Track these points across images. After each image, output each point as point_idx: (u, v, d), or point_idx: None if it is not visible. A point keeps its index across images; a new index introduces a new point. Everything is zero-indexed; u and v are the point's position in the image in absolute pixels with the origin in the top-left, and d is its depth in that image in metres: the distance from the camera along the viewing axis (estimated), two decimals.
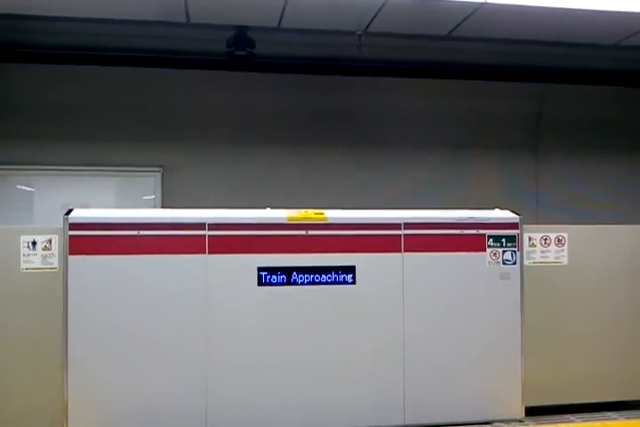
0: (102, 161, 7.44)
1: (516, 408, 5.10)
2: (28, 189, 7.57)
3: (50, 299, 4.64)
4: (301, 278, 4.87)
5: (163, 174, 7.58)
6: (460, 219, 5.15)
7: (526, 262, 5.30)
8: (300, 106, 7.84)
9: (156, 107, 7.54)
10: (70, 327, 4.57)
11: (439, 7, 5.95)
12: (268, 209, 5.08)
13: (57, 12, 6.11)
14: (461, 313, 5.08)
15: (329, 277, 4.91)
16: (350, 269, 4.94)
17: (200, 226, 4.79)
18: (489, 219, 5.20)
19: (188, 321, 4.73)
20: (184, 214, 4.88)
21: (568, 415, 5.28)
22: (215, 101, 7.62)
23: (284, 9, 6.03)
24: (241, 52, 6.78)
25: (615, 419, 5.20)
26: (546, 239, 5.42)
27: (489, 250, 5.16)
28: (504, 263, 5.17)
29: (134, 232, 4.71)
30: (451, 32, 6.67)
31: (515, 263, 5.18)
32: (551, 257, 5.44)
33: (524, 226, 5.26)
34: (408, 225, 5.05)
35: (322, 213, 5.01)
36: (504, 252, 5.17)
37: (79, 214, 4.73)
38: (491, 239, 5.17)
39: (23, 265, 4.70)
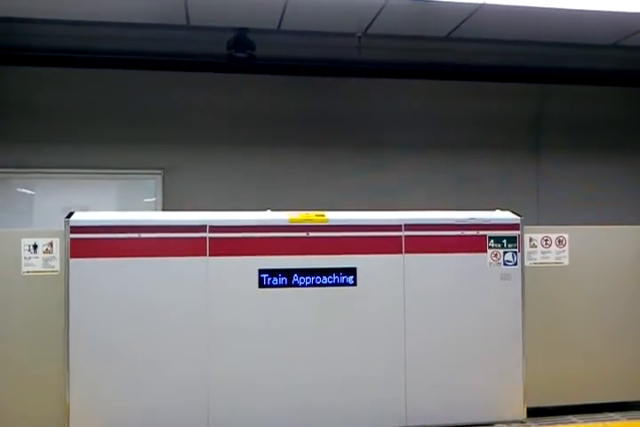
0: (102, 164, 7.44)
1: (517, 409, 5.10)
2: (29, 191, 7.58)
3: (51, 302, 4.64)
4: (302, 280, 4.87)
5: (163, 177, 7.58)
6: (461, 220, 5.15)
7: (527, 263, 5.29)
8: (300, 108, 7.84)
9: (157, 109, 7.55)
10: (72, 330, 4.58)
11: (438, 9, 5.95)
12: (269, 211, 5.08)
13: (60, 15, 6.12)
14: (462, 314, 5.08)
15: (330, 279, 4.91)
16: (351, 271, 4.94)
17: (201, 228, 4.79)
18: (490, 220, 5.20)
19: (190, 323, 4.73)
20: (185, 217, 4.89)
21: (570, 416, 5.28)
22: (216, 103, 7.63)
23: (283, 11, 6.03)
24: (241, 54, 6.78)
25: (617, 420, 5.20)
26: (547, 240, 5.42)
27: (490, 251, 5.16)
28: (505, 264, 5.17)
29: (135, 235, 4.72)
30: (450, 33, 6.67)
31: (516, 264, 5.18)
32: (552, 258, 5.43)
33: (525, 227, 5.27)
34: (409, 226, 5.05)
35: (323, 215, 5.01)
36: (505, 253, 5.17)
37: (80, 217, 4.73)
38: (492, 240, 5.17)
39: (24, 268, 4.69)
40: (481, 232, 5.16)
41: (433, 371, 5.01)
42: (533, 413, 5.18)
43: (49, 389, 4.61)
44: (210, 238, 4.79)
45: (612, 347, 5.49)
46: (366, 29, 6.48)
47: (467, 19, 6.25)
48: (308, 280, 4.89)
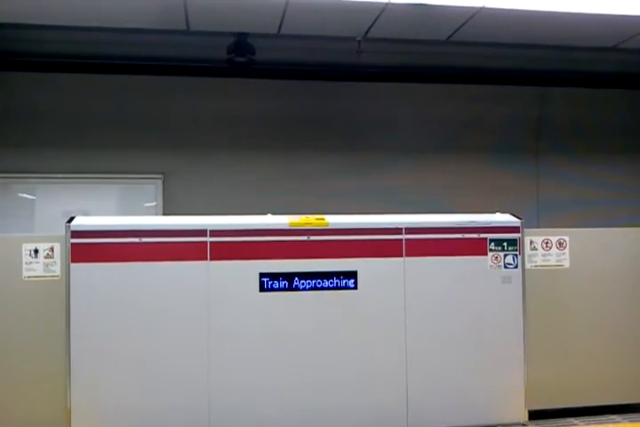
0: (103, 168, 7.45)
1: (519, 412, 5.10)
2: (29, 197, 7.58)
3: (52, 307, 4.64)
4: (303, 284, 4.88)
5: (164, 181, 7.59)
6: (461, 223, 5.16)
7: (528, 266, 5.30)
8: (301, 112, 7.85)
9: (157, 114, 7.56)
10: (73, 335, 4.58)
11: (438, 12, 5.95)
12: (270, 215, 5.09)
13: (61, 21, 6.14)
14: (463, 317, 5.08)
15: (331, 283, 4.91)
16: (352, 275, 4.94)
17: (201, 232, 4.80)
18: (490, 223, 5.21)
19: (191, 326, 4.74)
20: (185, 221, 4.89)
21: (571, 419, 5.27)
22: (216, 108, 7.64)
23: (283, 15, 6.04)
24: (241, 58, 6.81)
25: (619, 422, 5.20)
26: (547, 243, 5.42)
27: (490, 254, 5.16)
28: (505, 267, 5.17)
29: (136, 239, 4.72)
30: (450, 37, 6.68)
31: (516, 267, 5.18)
32: (553, 260, 5.43)
33: (526, 229, 5.27)
34: (409, 230, 5.05)
35: (323, 219, 5.02)
36: (505, 255, 5.18)
37: (81, 222, 4.74)
38: (492, 243, 5.17)
39: (25, 273, 4.70)
40: (481, 235, 5.16)
41: (434, 374, 5.00)
42: (535, 415, 5.18)
43: (51, 393, 4.61)
44: (210, 242, 4.79)
45: (614, 349, 5.49)
46: (366, 33, 6.49)
47: (466, 22, 6.26)
48: (309, 284, 4.89)
